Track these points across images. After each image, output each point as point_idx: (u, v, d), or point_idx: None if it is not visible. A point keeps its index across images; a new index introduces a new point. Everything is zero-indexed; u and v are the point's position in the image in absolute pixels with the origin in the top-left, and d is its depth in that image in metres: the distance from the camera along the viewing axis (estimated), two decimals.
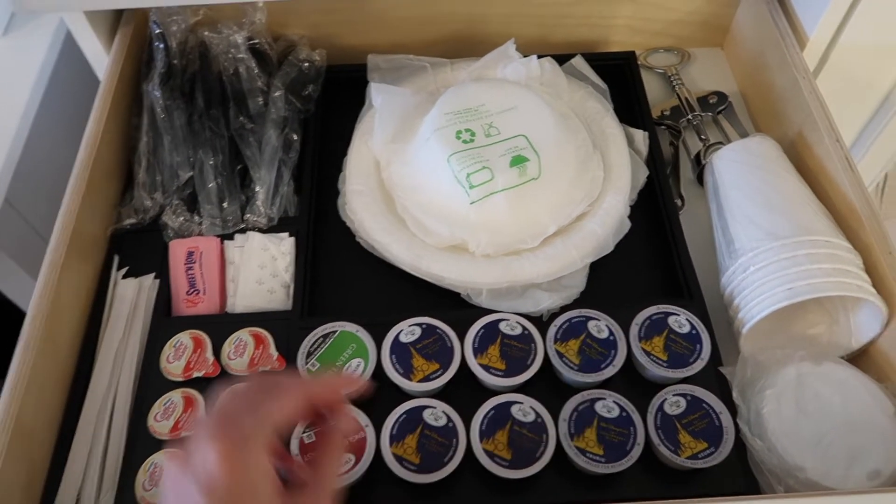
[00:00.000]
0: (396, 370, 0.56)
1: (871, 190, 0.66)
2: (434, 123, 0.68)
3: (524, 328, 0.58)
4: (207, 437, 0.37)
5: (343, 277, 0.67)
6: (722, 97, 0.78)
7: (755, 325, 0.57)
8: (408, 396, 0.56)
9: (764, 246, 0.58)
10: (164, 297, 0.65)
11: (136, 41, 0.77)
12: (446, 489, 0.52)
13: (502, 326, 0.58)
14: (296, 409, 0.40)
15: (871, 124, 0.85)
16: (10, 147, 0.83)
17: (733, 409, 0.55)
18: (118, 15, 0.77)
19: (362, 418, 0.54)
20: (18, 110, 0.85)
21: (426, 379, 0.56)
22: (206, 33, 0.76)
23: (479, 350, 0.57)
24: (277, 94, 0.73)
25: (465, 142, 0.66)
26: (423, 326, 0.58)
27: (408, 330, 0.58)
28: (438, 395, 0.57)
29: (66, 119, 0.94)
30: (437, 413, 0.54)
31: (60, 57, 0.93)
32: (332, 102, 0.79)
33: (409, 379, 0.56)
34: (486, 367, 0.56)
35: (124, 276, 0.66)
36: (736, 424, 0.53)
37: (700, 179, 0.72)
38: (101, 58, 0.76)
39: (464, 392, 0.57)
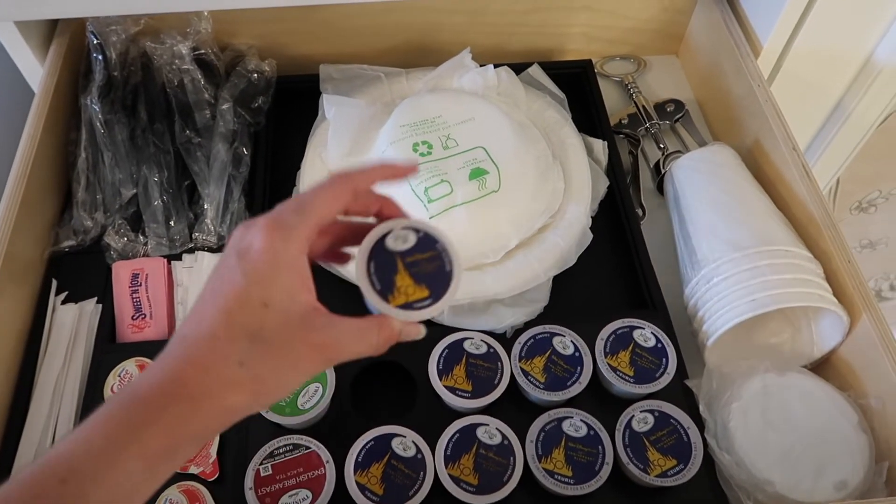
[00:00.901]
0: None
1: (824, 194, 0.66)
2: (390, 136, 0.66)
3: (490, 346, 0.56)
4: (253, 224, 0.36)
5: None
6: (679, 105, 0.78)
7: (719, 337, 0.56)
8: (373, 425, 0.54)
9: (726, 257, 0.57)
10: (107, 323, 0.61)
11: (72, 52, 0.73)
12: None
13: (467, 345, 0.56)
14: (336, 197, 0.37)
15: (823, 130, 0.86)
16: None
17: (700, 424, 0.54)
18: (53, 25, 0.73)
19: (323, 454, 0.51)
20: None
21: (407, 306, 0.40)
22: (148, 43, 0.72)
23: (443, 371, 0.55)
24: (225, 106, 0.70)
25: (422, 154, 0.64)
26: (421, 234, 0.41)
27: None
28: (404, 421, 0.54)
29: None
30: (407, 443, 0.52)
31: None
32: (284, 114, 0.76)
33: (386, 300, 0.40)
34: (452, 389, 0.54)
35: (63, 302, 0.63)
36: (704, 439, 0.53)
37: (660, 188, 0.72)
38: (36, 70, 0.71)
39: (428, 414, 0.55)
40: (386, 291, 0.39)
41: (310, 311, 0.36)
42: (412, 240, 0.40)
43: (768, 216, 0.60)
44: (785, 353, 0.59)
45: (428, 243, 0.40)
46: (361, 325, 0.37)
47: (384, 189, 0.41)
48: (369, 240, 0.39)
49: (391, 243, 0.39)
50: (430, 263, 0.40)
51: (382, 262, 0.39)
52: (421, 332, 0.40)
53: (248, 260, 0.35)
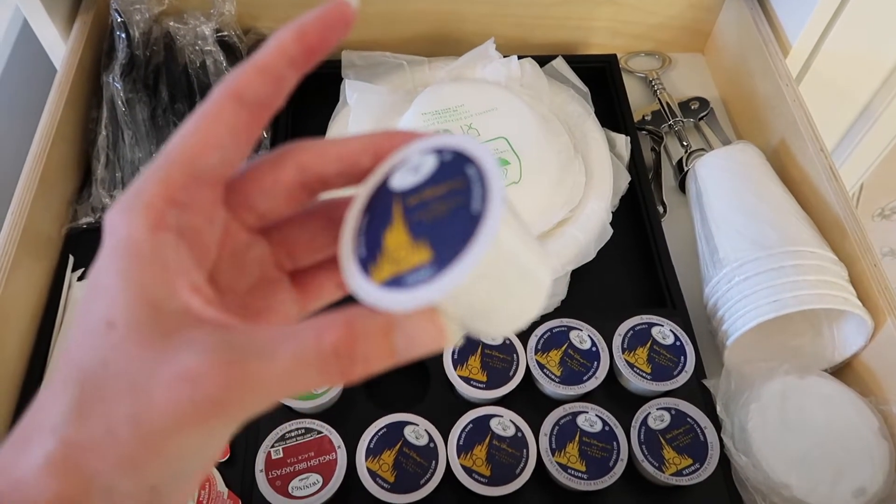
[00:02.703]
0: None
1: None
2: (411, 123, 0.65)
3: (506, 338, 0.56)
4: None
5: None
6: (704, 103, 0.77)
7: (739, 337, 0.55)
8: (385, 412, 0.53)
9: (749, 256, 0.56)
10: None
11: (96, 30, 0.73)
12: None
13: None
14: (218, 122, 0.23)
15: (849, 134, 0.85)
16: None
17: (717, 423, 0.53)
18: (77, 1, 0.73)
19: (335, 439, 0.51)
20: None
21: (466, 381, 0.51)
22: (171, 23, 0.72)
23: (458, 361, 0.54)
24: None
25: None
26: None
27: None
28: (418, 409, 0.54)
29: (20, 110, 0.89)
30: (419, 431, 0.51)
31: (17, 44, 0.88)
32: (304, 99, 0.76)
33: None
34: (467, 379, 0.53)
35: (80, 278, 0.62)
36: (720, 439, 0.52)
37: (682, 186, 0.71)
38: (59, 46, 0.71)
39: (441, 403, 0.55)
40: (368, 260, 0.22)
41: (186, 318, 0.21)
42: (429, 166, 0.23)
43: (793, 217, 0.59)
44: (805, 356, 0.58)
45: (452, 170, 0.22)
46: (290, 334, 0.20)
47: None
48: (371, 180, 0.24)
49: (397, 180, 0.23)
50: (445, 202, 0.22)
51: (379, 214, 0.23)
52: (441, 334, 0.21)
53: (93, 266, 0.22)
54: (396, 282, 0.21)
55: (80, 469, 0.19)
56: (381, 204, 0.23)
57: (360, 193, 0.24)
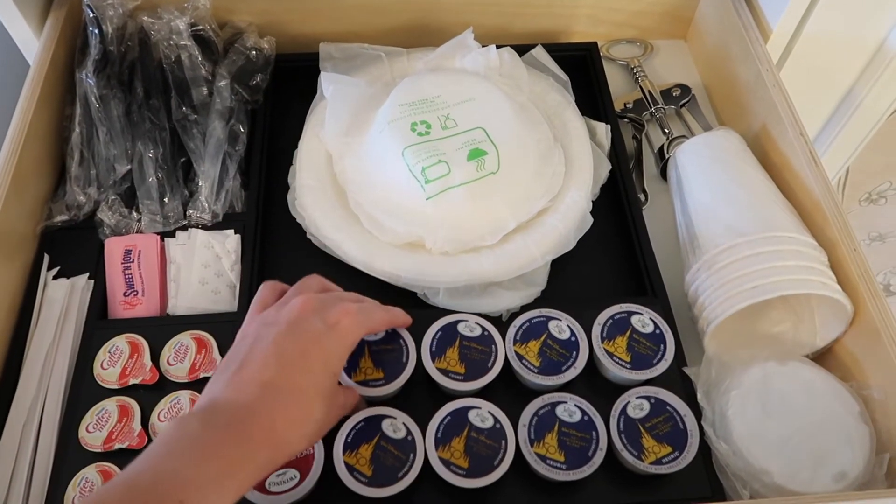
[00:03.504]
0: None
1: (833, 184, 0.65)
2: (388, 115, 0.65)
3: (484, 329, 0.55)
4: (339, 301, 0.49)
5: (293, 276, 0.63)
6: (685, 90, 0.77)
7: (720, 324, 0.55)
8: (364, 404, 0.53)
9: (728, 243, 0.56)
10: (98, 299, 0.60)
11: (69, 26, 0.72)
12: (398, 500, 0.49)
13: (461, 328, 0.55)
14: (380, 324, 0.52)
15: (833, 118, 0.84)
16: None
17: (698, 412, 0.53)
18: None
19: None
20: None
21: (364, 383, 0.52)
22: (145, 18, 0.71)
23: (436, 354, 0.54)
24: (223, 83, 0.69)
25: (420, 134, 0.63)
26: (389, 330, 0.55)
27: None
28: (394, 401, 0.54)
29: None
30: (397, 424, 0.51)
31: None
32: (282, 93, 0.75)
33: (349, 376, 0.52)
34: (445, 371, 0.53)
35: (55, 277, 0.62)
36: (701, 427, 0.52)
37: (664, 174, 0.71)
38: (32, 43, 0.71)
39: (420, 396, 0.55)
40: (350, 369, 0.52)
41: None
42: (382, 334, 0.54)
43: (772, 202, 0.59)
44: (787, 342, 0.58)
45: (393, 338, 0.54)
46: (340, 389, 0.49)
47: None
48: None
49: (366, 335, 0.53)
50: (390, 354, 0.53)
51: (356, 348, 0.50)
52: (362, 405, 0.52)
53: (338, 334, 0.47)
54: (364, 382, 0.52)
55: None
56: (358, 345, 0.50)
57: None
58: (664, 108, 0.75)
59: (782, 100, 0.65)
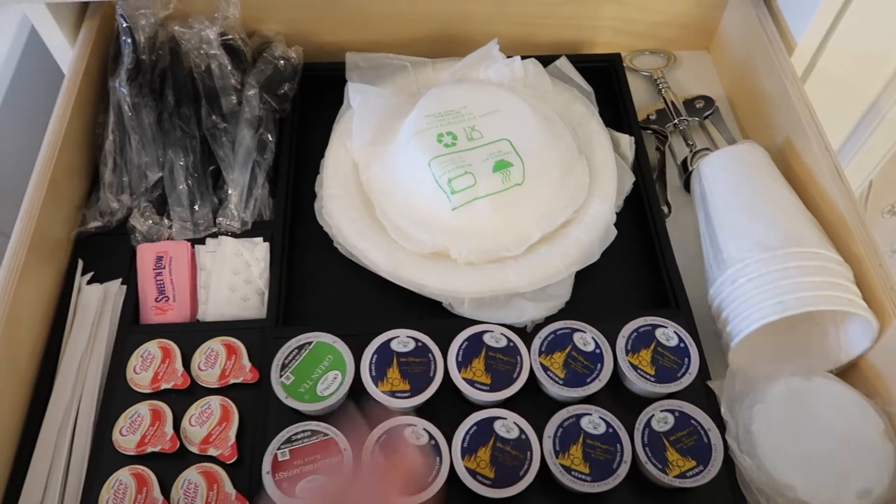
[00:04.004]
0: (370, 373, 0.54)
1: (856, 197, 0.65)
2: (414, 126, 0.66)
3: (509, 340, 0.56)
4: None
5: (320, 284, 0.65)
6: (709, 102, 0.77)
7: (744, 338, 0.55)
8: (388, 414, 0.54)
9: (753, 257, 0.56)
10: (131, 304, 0.62)
11: (102, 35, 0.73)
12: None
13: (486, 338, 0.56)
14: None
15: (856, 131, 0.84)
16: None
17: (722, 425, 0.53)
18: (83, 7, 0.74)
19: (342, 441, 0.51)
20: None
21: (390, 394, 0.53)
22: (176, 28, 0.72)
23: (462, 364, 0.55)
24: (252, 92, 0.71)
25: (446, 145, 0.64)
26: (419, 344, 0.56)
27: (403, 339, 0.56)
28: (419, 410, 0.54)
29: (29, 115, 0.89)
30: (419, 431, 0.51)
31: (25, 50, 0.88)
32: (309, 102, 0.76)
33: (375, 385, 0.53)
34: (471, 382, 0.54)
35: (89, 282, 0.63)
36: (724, 441, 0.52)
37: (687, 186, 0.71)
38: (66, 52, 0.72)
39: (444, 406, 0.55)
40: (377, 379, 0.54)
41: None
42: (411, 346, 0.55)
43: (798, 217, 0.59)
44: (811, 357, 0.58)
45: (423, 351, 0.55)
46: None
47: None
48: (375, 341, 0.55)
49: (394, 345, 0.55)
50: (418, 367, 0.54)
51: (382, 357, 0.54)
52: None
53: None
54: (390, 393, 0.54)
55: None
56: (385, 354, 0.55)
57: (370, 348, 0.56)
58: (687, 120, 0.76)
59: (807, 113, 0.65)
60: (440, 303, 0.62)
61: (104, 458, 0.54)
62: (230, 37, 0.73)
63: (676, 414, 0.53)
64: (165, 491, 0.52)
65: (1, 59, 0.85)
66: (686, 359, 0.55)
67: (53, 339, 0.60)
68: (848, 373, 0.58)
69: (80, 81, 0.68)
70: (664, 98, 0.78)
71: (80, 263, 0.64)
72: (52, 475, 0.54)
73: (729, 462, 0.52)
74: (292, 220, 0.67)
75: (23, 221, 0.59)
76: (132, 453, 0.54)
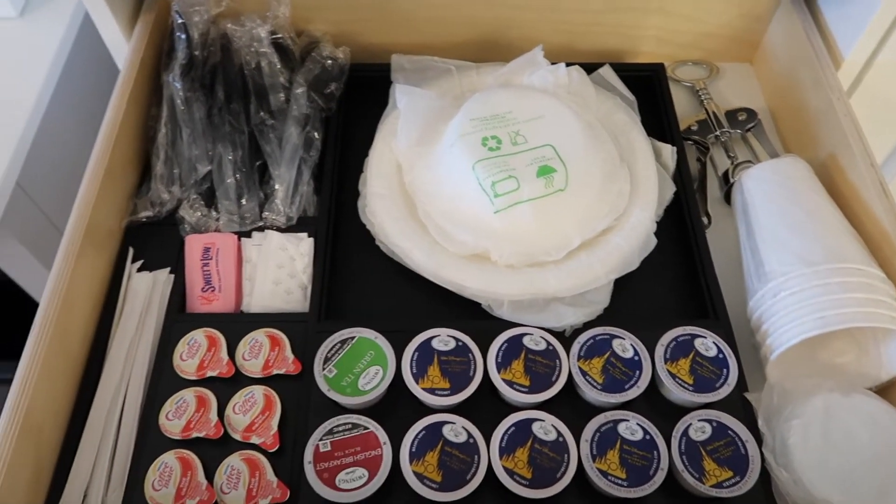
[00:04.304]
0: (411, 370, 0.55)
1: None
2: (459, 129, 0.66)
3: (548, 343, 0.57)
4: None
5: (361, 281, 0.66)
6: (751, 114, 0.77)
7: (783, 352, 0.55)
8: (426, 411, 0.55)
9: (795, 271, 0.57)
10: (178, 293, 0.64)
11: (157, 30, 0.75)
12: None
13: (526, 341, 0.57)
14: None
15: None
16: (23, 130, 0.81)
17: (758, 437, 0.53)
18: (139, 3, 0.76)
19: (381, 435, 0.53)
20: (33, 94, 0.84)
21: (430, 391, 0.54)
22: (228, 25, 0.74)
23: (502, 365, 0.55)
24: (300, 90, 0.72)
25: (490, 149, 0.65)
26: (459, 343, 0.57)
27: (443, 338, 0.57)
28: (456, 409, 0.55)
29: (80, 105, 0.92)
30: (457, 429, 0.52)
31: (77, 41, 0.91)
32: (355, 102, 0.77)
33: (416, 381, 0.54)
34: (510, 383, 0.55)
35: (138, 270, 0.65)
36: (761, 453, 0.52)
37: (727, 198, 0.71)
38: (121, 45, 0.74)
39: (482, 406, 0.56)
40: (418, 375, 0.55)
41: None
42: (452, 345, 0.56)
43: (841, 233, 0.59)
44: (850, 374, 0.58)
45: (463, 350, 0.56)
46: None
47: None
48: (417, 339, 0.56)
49: (435, 343, 0.56)
50: (459, 366, 0.55)
51: (424, 355, 0.56)
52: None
53: None
54: (430, 391, 0.54)
55: None
56: (426, 352, 0.56)
57: (411, 346, 0.57)
58: (729, 132, 0.76)
59: (853, 130, 0.65)
60: (479, 304, 0.62)
61: (150, 441, 0.56)
62: (280, 35, 0.75)
63: (714, 424, 0.53)
64: (209, 475, 0.54)
65: (54, 49, 0.88)
66: (725, 369, 0.56)
67: (104, 324, 0.62)
68: (888, 391, 0.58)
69: (136, 75, 0.70)
70: (706, 109, 0.78)
71: (131, 251, 0.66)
72: (99, 455, 0.56)
73: (765, 474, 0.52)
74: (336, 218, 0.69)
75: (78, 210, 0.61)
76: (178, 437, 0.55)
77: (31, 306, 0.92)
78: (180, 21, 0.72)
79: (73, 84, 0.90)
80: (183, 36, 0.72)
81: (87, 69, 0.93)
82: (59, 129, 0.87)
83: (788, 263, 0.58)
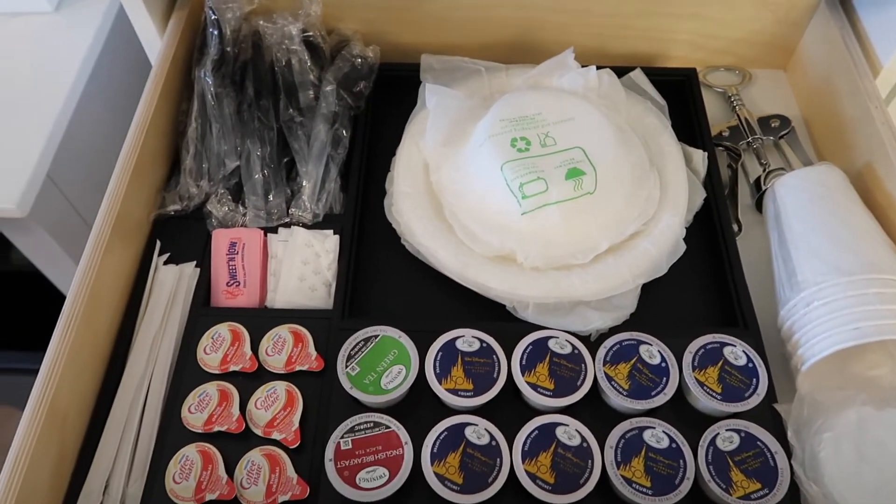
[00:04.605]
0: (434, 370, 0.55)
1: None
2: (489, 129, 0.66)
3: (574, 347, 0.56)
4: None
5: (386, 280, 0.66)
6: (785, 121, 0.76)
7: (815, 363, 0.54)
8: (448, 412, 0.54)
9: (830, 281, 0.55)
10: (203, 287, 0.64)
11: (189, 26, 0.76)
12: None
13: (551, 344, 0.56)
14: None
15: None
16: (55, 124, 0.82)
17: (787, 449, 0.52)
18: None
19: (403, 434, 0.52)
20: (65, 88, 0.85)
21: (453, 392, 0.54)
22: (260, 22, 0.75)
23: (526, 367, 0.55)
24: (329, 88, 0.72)
25: (519, 150, 0.64)
26: (483, 345, 0.56)
27: (468, 339, 0.56)
28: (479, 410, 0.55)
29: (111, 99, 0.93)
30: (480, 431, 0.52)
31: (110, 36, 0.92)
32: (383, 100, 0.77)
33: (439, 382, 0.54)
34: (535, 386, 0.54)
35: (165, 263, 0.65)
36: (790, 466, 0.51)
37: (758, 205, 0.70)
38: (154, 41, 0.75)
39: (505, 408, 0.56)
40: (441, 376, 0.54)
41: None
42: (476, 346, 0.56)
43: (878, 243, 0.58)
44: (883, 387, 0.57)
45: (488, 352, 0.56)
46: None
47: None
48: (441, 339, 0.56)
49: (459, 344, 0.56)
50: (482, 367, 0.55)
51: (447, 355, 0.55)
52: None
53: None
54: (453, 391, 0.54)
55: None
56: (450, 352, 0.56)
57: (435, 346, 0.57)
58: (762, 139, 0.75)
59: (892, 139, 0.63)
60: (503, 305, 0.62)
61: (172, 434, 0.56)
62: (311, 33, 0.75)
63: (742, 434, 0.52)
64: (229, 470, 0.54)
65: (88, 43, 0.89)
66: (754, 379, 0.54)
67: (129, 315, 0.62)
68: None
69: (168, 70, 0.71)
70: (738, 115, 0.77)
71: (158, 244, 0.66)
72: (122, 446, 0.56)
73: (793, 488, 0.51)
74: (362, 215, 0.69)
75: (108, 201, 0.62)
76: (199, 431, 0.55)
77: (57, 298, 0.93)
78: (213, 17, 0.73)
79: (106, 79, 0.92)
80: (215, 32, 0.72)
81: (120, 64, 0.94)
82: (91, 123, 0.88)
83: (823, 273, 0.56)
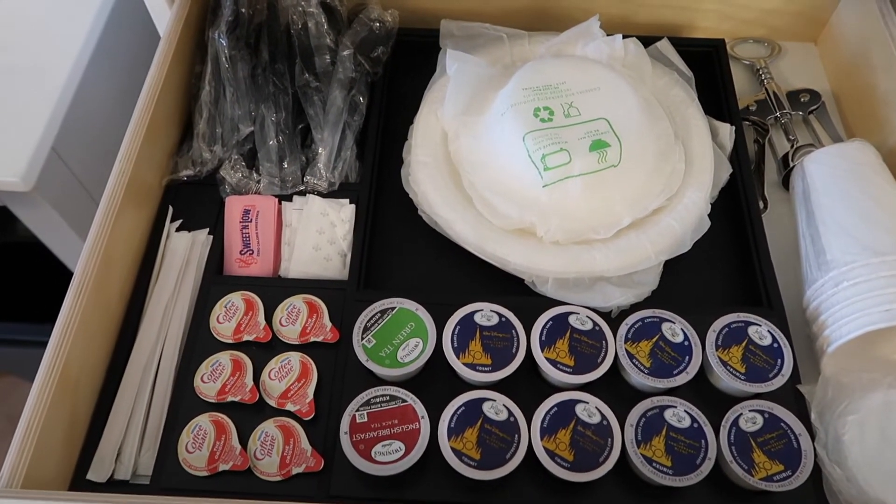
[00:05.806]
0: (452, 345, 0.53)
1: None
2: (511, 98, 0.64)
3: (595, 324, 0.55)
4: None
5: (402, 251, 0.65)
6: (815, 96, 0.73)
7: (842, 344, 0.53)
8: (465, 387, 0.53)
9: (861, 261, 0.54)
10: (216, 255, 0.63)
11: None
12: (501, 485, 0.50)
13: (572, 320, 0.55)
14: None
15: None
16: (59, 96, 0.80)
17: (811, 431, 0.51)
18: None
19: (419, 409, 0.51)
20: (70, 59, 0.83)
21: (471, 366, 0.53)
22: None
23: (546, 343, 0.54)
24: (346, 53, 0.70)
25: (542, 120, 0.63)
26: (502, 319, 0.55)
27: (486, 313, 0.55)
28: (496, 386, 0.54)
29: (117, 71, 0.91)
30: (498, 406, 0.51)
31: (116, 4, 0.90)
32: (401, 66, 0.75)
33: (457, 356, 0.53)
34: (554, 362, 0.53)
35: (177, 229, 0.64)
36: (814, 448, 0.50)
37: (785, 182, 0.68)
38: (162, 8, 0.72)
39: (523, 384, 0.55)
40: (459, 350, 0.53)
41: None
42: (495, 320, 0.55)
43: None
44: None
45: (506, 327, 0.54)
46: None
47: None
48: (459, 312, 0.55)
49: (478, 318, 0.55)
50: (501, 342, 0.54)
51: (465, 329, 0.54)
52: None
53: None
54: (471, 366, 0.53)
55: None
56: (468, 326, 0.55)
57: (452, 319, 0.55)
58: (790, 114, 0.72)
59: None
60: (522, 280, 0.61)
61: (185, 403, 0.55)
62: None
63: (766, 415, 0.51)
64: (242, 440, 0.53)
65: (94, 10, 0.86)
66: (779, 360, 0.53)
67: (141, 282, 0.61)
68: None
69: (181, 30, 0.69)
70: (766, 89, 0.75)
71: (171, 210, 0.65)
72: (134, 415, 0.56)
73: (815, 471, 0.50)
74: (378, 185, 0.67)
75: (120, 165, 0.60)
76: (212, 401, 0.55)
77: (62, 271, 0.92)
78: None
79: (111, 50, 0.89)
80: None
81: (127, 34, 0.91)
82: (96, 96, 0.86)
83: (853, 253, 0.55)
